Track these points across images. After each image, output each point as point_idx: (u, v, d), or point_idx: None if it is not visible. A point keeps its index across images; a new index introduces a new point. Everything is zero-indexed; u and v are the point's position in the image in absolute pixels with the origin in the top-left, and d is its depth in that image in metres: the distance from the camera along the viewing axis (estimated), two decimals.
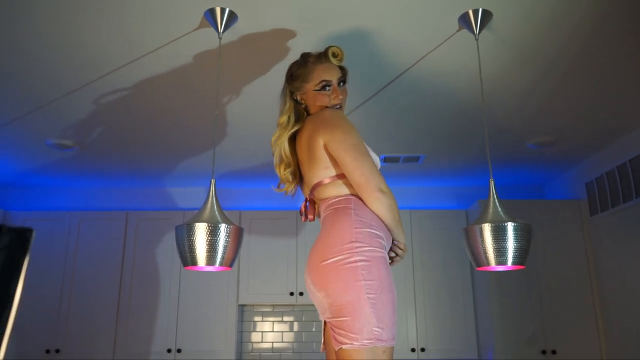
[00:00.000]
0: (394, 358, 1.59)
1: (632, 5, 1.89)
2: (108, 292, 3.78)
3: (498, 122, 2.97)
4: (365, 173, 1.61)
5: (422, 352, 3.69)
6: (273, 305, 4.08)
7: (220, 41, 1.95)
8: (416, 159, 3.60)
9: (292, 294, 3.82)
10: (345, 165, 1.64)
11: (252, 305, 4.07)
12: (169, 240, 3.90)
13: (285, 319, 4.10)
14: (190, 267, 1.70)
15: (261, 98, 2.63)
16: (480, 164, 3.70)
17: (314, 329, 4.06)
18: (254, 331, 4.08)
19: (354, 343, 1.50)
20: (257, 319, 4.09)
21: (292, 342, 4.05)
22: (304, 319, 4.09)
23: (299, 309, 4.08)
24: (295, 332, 4.07)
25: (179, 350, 3.71)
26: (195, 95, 2.61)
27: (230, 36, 2.03)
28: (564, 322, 3.45)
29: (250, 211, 3.98)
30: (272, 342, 4.06)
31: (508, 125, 3.02)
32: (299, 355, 4.02)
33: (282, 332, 4.07)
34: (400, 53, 2.21)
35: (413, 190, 4.20)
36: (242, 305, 4.01)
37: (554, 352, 3.39)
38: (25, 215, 4.01)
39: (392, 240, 1.67)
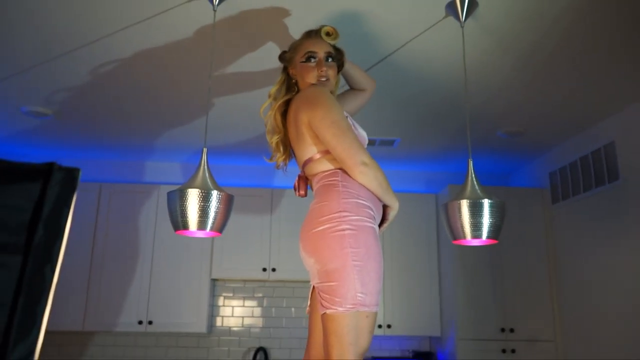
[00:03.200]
0: None
1: (609, 2, 2.02)
2: (79, 263, 3.76)
3: (472, 110, 3.10)
4: (347, 148, 1.68)
5: (389, 329, 3.84)
6: (244, 281, 4.15)
7: (214, 14, 1.98)
8: (391, 143, 3.71)
9: (264, 269, 3.90)
10: (327, 142, 1.71)
11: (224, 280, 4.12)
12: (143, 213, 3.90)
13: (256, 294, 4.18)
14: (181, 232, 1.75)
15: (250, 74, 2.67)
16: (453, 150, 3.84)
17: (284, 305, 4.16)
18: (225, 306, 4.14)
19: (338, 308, 1.60)
20: (228, 294, 4.15)
21: (262, 317, 4.13)
22: (274, 295, 4.18)
23: (270, 284, 4.17)
24: (265, 307, 4.16)
25: (150, 322, 3.74)
26: (183, 67, 2.62)
27: (224, 10, 2.06)
28: (522, 303, 3.66)
29: (226, 187, 4.00)
30: (242, 317, 4.14)
31: (482, 113, 3.16)
32: (267, 331, 4.11)
33: (253, 307, 4.15)
34: (387, 37, 2.29)
35: (387, 173, 4.26)
36: (214, 280, 4.06)
37: (512, 330, 3.60)
38: None
39: (385, 207, 1.76)
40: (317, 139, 1.75)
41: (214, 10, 1.97)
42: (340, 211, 1.65)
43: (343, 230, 1.63)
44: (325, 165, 1.76)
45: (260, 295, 4.18)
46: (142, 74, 2.71)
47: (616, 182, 3.08)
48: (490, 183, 4.39)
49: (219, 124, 3.39)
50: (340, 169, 1.73)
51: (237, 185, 4.10)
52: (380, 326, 3.84)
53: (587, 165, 3.36)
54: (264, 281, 4.11)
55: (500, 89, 2.83)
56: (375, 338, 3.95)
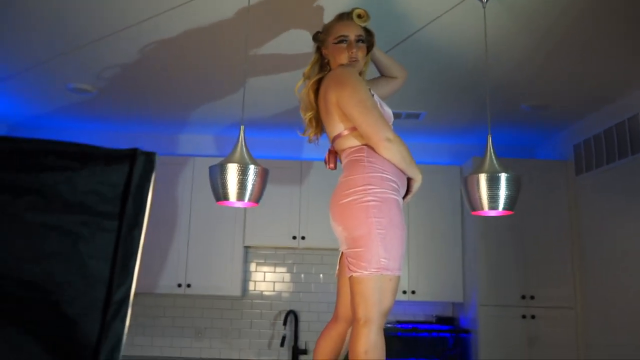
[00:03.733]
0: None
1: None
2: None
3: (496, 84, 3.17)
4: (371, 125, 1.83)
5: (413, 294, 4.02)
6: (275, 248, 4.37)
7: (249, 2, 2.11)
8: (417, 116, 3.81)
9: (294, 237, 4.10)
10: (354, 120, 1.85)
11: (256, 247, 4.35)
12: (180, 184, 4.12)
13: (287, 261, 4.40)
14: (222, 203, 1.94)
15: (281, 55, 2.80)
16: (477, 123, 3.92)
17: (313, 271, 4.37)
18: (257, 271, 4.38)
19: (363, 272, 1.77)
20: (260, 260, 4.39)
21: (292, 282, 4.36)
22: (303, 262, 4.40)
23: (300, 252, 4.38)
24: (294, 273, 4.38)
25: (188, 285, 4.01)
26: (220, 47, 2.77)
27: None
28: (543, 271, 3.78)
29: (257, 159, 4.19)
30: (274, 282, 4.37)
31: (505, 88, 3.23)
32: (297, 295, 4.34)
33: (283, 273, 4.38)
34: (413, 15, 2.39)
35: (412, 145, 4.31)
36: (247, 247, 4.29)
37: (532, 297, 3.73)
38: None
39: (409, 179, 1.90)
40: (345, 116, 1.89)
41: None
42: (366, 184, 1.81)
43: (368, 201, 1.79)
44: (353, 142, 1.91)
45: (290, 261, 4.40)
46: (181, 54, 2.87)
47: (638, 155, 3.13)
48: (515, 155, 4.46)
49: (252, 100, 3.54)
50: (366, 145, 1.88)
51: (268, 157, 4.26)
52: (404, 292, 4.02)
53: (611, 137, 3.41)
54: (294, 248, 4.32)
55: (520, 64, 2.89)
56: (399, 303, 4.16)
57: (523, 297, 3.74)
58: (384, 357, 1.79)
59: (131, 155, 0.84)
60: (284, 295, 4.35)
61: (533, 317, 3.71)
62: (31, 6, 2.38)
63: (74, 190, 0.77)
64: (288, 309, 4.26)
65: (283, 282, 4.37)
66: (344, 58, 1.96)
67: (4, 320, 0.68)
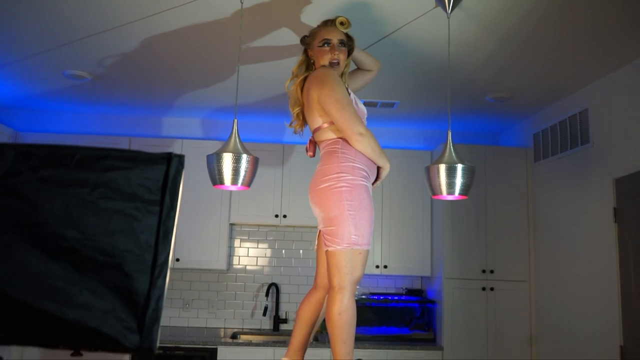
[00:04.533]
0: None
1: None
2: None
3: (463, 79, 3.49)
4: (346, 121, 2.12)
5: (385, 269, 4.39)
6: (259, 225, 4.67)
7: (242, 5, 2.37)
8: (391, 105, 4.12)
9: (276, 216, 4.41)
10: (331, 115, 2.14)
11: (241, 225, 4.65)
12: None
13: (269, 238, 4.72)
14: (218, 186, 2.23)
15: (268, 49, 3.07)
16: (443, 112, 4.25)
17: (293, 247, 4.70)
18: (241, 247, 4.69)
19: (337, 247, 2.09)
20: (244, 237, 4.69)
21: (274, 257, 4.69)
22: (285, 239, 4.72)
23: (281, 229, 4.69)
24: (276, 249, 4.70)
25: (177, 260, 4.30)
26: (211, 44, 3.02)
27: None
28: (502, 248, 4.17)
29: (244, 142, 4.47)
30: (257, 257, 4.69)
31: (471, 82, 3.56)
32: (278, 269, 4.67)
33: (265, 249, 4.70)
34: (387, 21, 2.68)
35: (388, 131, 4.75)
36: (232, 224, 4.59)
37: (492, 271, 4.13)
38: (34, 136, 4.40)
39: (379, 168, 2.20)
40: (324, 112, 2.18)
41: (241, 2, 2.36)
42: (339, 172, 2.11)
43: (341, 187, 2.10)
44: (330, 134, 2.20)
45: (272, 238, 4.72)
46: (174, 46, 3.11)
47: (587, 145, 3.50)
48: (482, 141, 4.82)
49: (238, 87, 3.80)
50: (341, 138, 2.18)
51: (252, 140, 4.53)
52: (377, 266, 4.38)
53: (565, 128, 3.77)
54: (276, 226, 4.63)
55: (484, 62, 3.22)
56: (372, 277, 4.54)
57: (483, 271, 4.14)
58: (355, 319, 2.11)
59: (167, 157, 1.13)
60: (266, 269, 4.68)
61: (492, 289, 4.11)
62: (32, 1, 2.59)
63: (129, 184, 1.07)
64: (270, 281, 4.59)
65: (265, 257, 4.70)
66: (326, 59, 2.23)
67: (89, 274, 0.98)
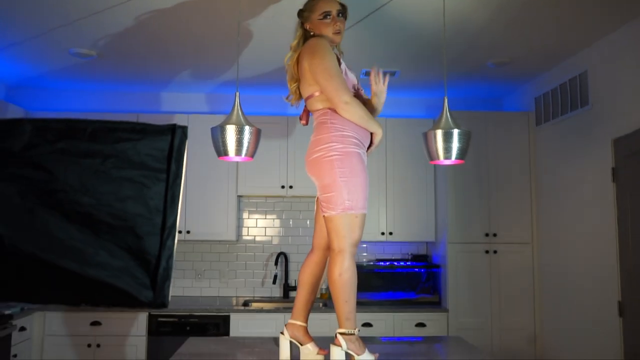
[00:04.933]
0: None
1: None
2: None
3: (463, 45, 3.52)
4: (333, 90, 2.18)
5: (390, 235, 4.50)
6: (266, 197, 4.78)
7: None
8: (393, 74, 4.15)
9: (283, 187, 4.51)
10: (319, 84, 2.21)
11: (248, 197, 4.76)
12: None
13: (276, 208, 4.83)
14: (222, 158, 2.32)
15: (270, 25, 3.11)
16: (449, 79, 4.28)
17: (300, 217, 4.81)
18: (249, 218, 4.81)
19: (332, 212, 2.17)
20: (252, 208, 4.81)
21: (281, 227, 4.81)
22: (292, 209, 4.83)
23: (288, 200, 4.80)
24: (283, 219, 4.82)
25: (188, 232, 4.43)
26: (211, 19, 3.06)
27: None
28: (505, 211, 4.25)
29: (247, 115, 4.53)
30: (265, 227, 4.82)
31: (471, 48, 3.58)
32: (286, 239, 4.80)
33: (273, 219, 4.82)
34: None
35: (390, 100, 4.72)
36: (240, 196, 4.70)
37: (494, 234, 4.22)
38: (44, 115, 4.49)
39: (372, 134, 2.26)
40: (314, 81, 2.24)
41: None
42: (329, 142, 2.19)
43: (331, 156, 2.18)
44: (321, 104, 2.26)
45: (279, 209, 4.83)
46: (176, 22, 3.16)
47: (586, 107, 3.54)
48: (485, 107, 4.85)
49: (242, 61, 3.85)
50: (330, 108, 2.23)
51: (257, 114, 4.60)
52: (382, 233, 4.49)
53: (565, 91, 3.80)
54: (282, 197, 4.74)
55: (485, 28, 3.24)
56: (378, 243, 4.66)
57: (486, 234, 4.23)
58: (355, 279, 2.20)
59: (172, 128, 1.22)
60: (275, 239, 4.81)
61: (495, 252, 4.21)
62: None
63: (138, 154, 1.16)
64: (279, 251, 4.72)
65: (273, 227, 4.82)
66: (329, 31, 2.28)
67: (104, 236, 1.08)
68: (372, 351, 2.19)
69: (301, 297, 2.33)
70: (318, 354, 2.26)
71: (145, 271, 1.14)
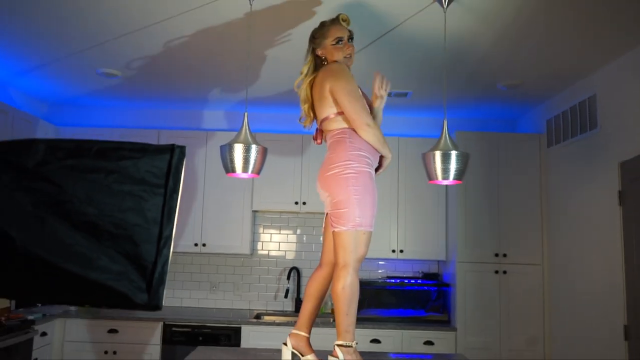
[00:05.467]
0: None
1: None
2: None
3: (472, 68, 3.61)
4: (357, 112, 2.30)
5: (401, 253, 4.56)
6: (280, 212, 4.90)
7: (251, 7, 2.56)
8: (405, 95, 4.26)
9: (296, 203, 4.63)
10: (343, 106, 2.32)
11: (263, 212, 4.89)
12: (195, 155, 4.63)
13: (290, 224, 4.95)
14: (230, 174, 2.45)
15: (282, 52, 3.26)
16: (459, 100, 4.36)
17: (314, 233, 4.92)
18: (264, 233, 4.94)
19: (343, 227, 2.27)
20: (267, 223, 4.94)
21: (295, 242, 4.92)
22: (305, 225, 4.94)
23: (302, 216, 4.91)
24: (297, 234, 4.93)
25: (204, 245, 4.58)
26: (225, 46, 3.24)
27: (260, 4, 2.65)
28: (515, 232, 4.27)
29: (264, 133, 4.69)
30: (279, 242, 4.94)
31: (478, 70, 3.66)
32: (300, 254, 4.90)
33: (287, 234, 4.94)
34: (390, 16, 2.83)
35: (402, 120, 4.90)
36: (255, 211, 4.83)
37: (504, 255, 4.25)
38: (72, 130, 4.73)
39: (381, 157, 2.37)
40: (335, 102, 2.36)
41: (250, 6, 2.56)
42: (346, 160, 2.29)
43: (348, 174, 2.28)
44: (338, 124, 2.37)
45: (293, 224, 4.95)
46: (196, 46, 3.34)
47: (595, 130, 3.57)
48: (499, 128, 4.91)
49: (258, 82, 4.02)
50: (348, 128, 2.35)
51: (273, 131, 4.76)
52: (394, 251, 4.55)
53: (575, 114, 3.84)
54: (297, 213, 4.85)
55: (487, 52, 3.32)
56: (390, 261, 4.73)
57: (496, 254, 4.26)
58: (357, 294, 2.29)
59: (171, 148, 1.35)
60: (288, 253, 4.92)
61: (505, 272, 4.23)
62: (67, 6, 2.86)
63: (138, 171, 1.29)
64: (291, 265, 4.82)
65: (287, 242, 4.93)
66: (341, 55, 2.42)
67: (105, 243, 1.21)
68: None
69: (306, 309, 2.43)
70: None
71: (142, 276, 1.26)
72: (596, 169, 3.57)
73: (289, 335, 2.40)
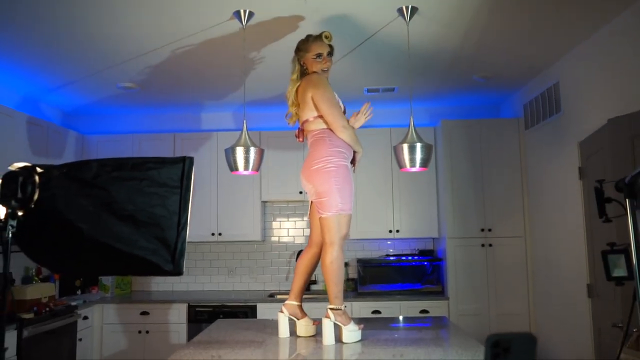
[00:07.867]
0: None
1: None
2: None
3: (448, 62, 4.03)
4: (335, 116, 2.76)
5: (397, 233, 5.03)
6: (287, 202, 5.41)
7: (244, 29, 3.04)
8: (392, 89, 4.71)
9: (300, 192, 5.12)
10: (323, 112, 2.79)
11: (272, 202, 5.40)
12: (207, 154, 5.15)
13: (297, 212, 5.45)
14: (234, 172, 2.95)
15: (278, 57, 3.74)
16: (441, 91, 4.80)
17: None
18: (274, 221, 5.45)
19: (327, 213, 2.75)
20: (275, 212, 5.45)
21: (302, 228, 5.42)
22: None
23: (307, 204, 5.37)
24: (304, 221, 5.44)
25: (219, 234, 5.11)
26: (224, 62, 3.72)
27: (253, 25, 3.12)
28: (499, 208, 4.72)
29: (268, 131, 5.19)
30: (288, 229, 5.45)
31: (452, 68, 4.10)
32: (307, 238, 5.37)
33: (295, 221, 5.44)
34: (368, 25, 3.28)
35: (392, 111, 5.35)
36: (264, 202, 5.35)
37: (490, 229, 4.69)
38: (98, 138, 5.28)
39: (355, 152, 2.84)
40: (315, 107, 2.83)
41: (244, 28, 3.04)
42: (327, 156, 2.77)
43: (329, 168, 2.75)
44: (318, 125, 2.84)
45: (300, 212, 5.45)
46: (204, 56, 3.83)
47: (559, 114, 3.99)
48: (484, 114, 5.33)
49: (261, 83, 4.50)
50: (327, 129, 2.82)
51: (276, 129, 5.25)
52: (390, 231, 5.03)
53: (545, 99, 4.26)
54: (302, 201, 5.35)
55: (458, 49, 3.75)
56: (387, 240, 5.20)
57: (482, 230, 4.71)
58: (343, 266, 2.77)
59: (183, 159, 1.85)
60: (297, 238, 5.43)
61: (490, 245, 4.68)
62: (91, 30, 3.37)
63: (161, 177, 1.79)
64: (300, 249, 5.33)
65: (295, 228, 5.44)
66: (319, 68, 2.88)
67: (142, 230, 1.72)
68: (357, 323, 2.75)
69: (297, 282, 2.92)
70: (312, 325, 2.84)
71: (168, 252, 1.77)
72: (561, 149, 3.99)
73: (284, 305, 2.87)
